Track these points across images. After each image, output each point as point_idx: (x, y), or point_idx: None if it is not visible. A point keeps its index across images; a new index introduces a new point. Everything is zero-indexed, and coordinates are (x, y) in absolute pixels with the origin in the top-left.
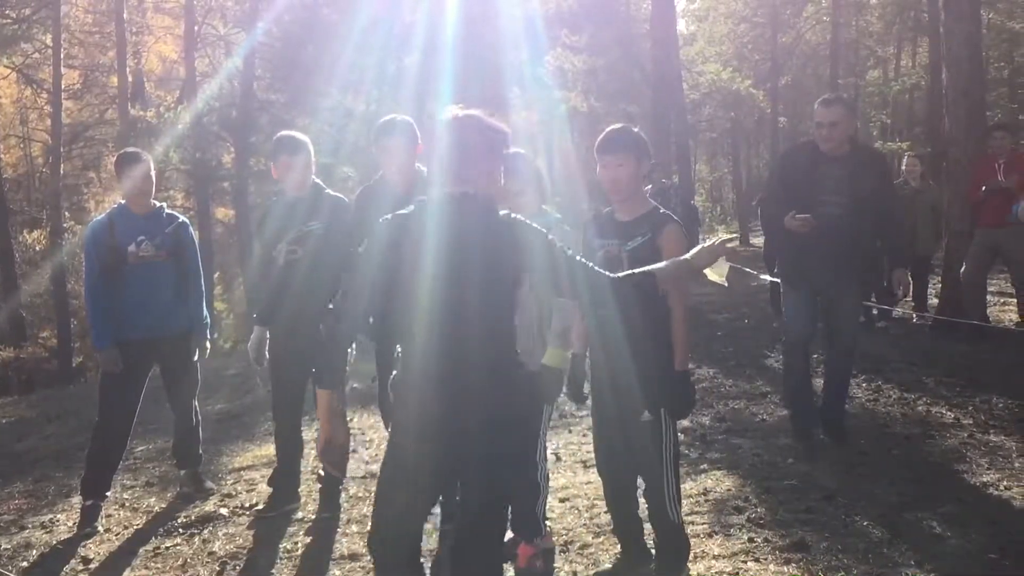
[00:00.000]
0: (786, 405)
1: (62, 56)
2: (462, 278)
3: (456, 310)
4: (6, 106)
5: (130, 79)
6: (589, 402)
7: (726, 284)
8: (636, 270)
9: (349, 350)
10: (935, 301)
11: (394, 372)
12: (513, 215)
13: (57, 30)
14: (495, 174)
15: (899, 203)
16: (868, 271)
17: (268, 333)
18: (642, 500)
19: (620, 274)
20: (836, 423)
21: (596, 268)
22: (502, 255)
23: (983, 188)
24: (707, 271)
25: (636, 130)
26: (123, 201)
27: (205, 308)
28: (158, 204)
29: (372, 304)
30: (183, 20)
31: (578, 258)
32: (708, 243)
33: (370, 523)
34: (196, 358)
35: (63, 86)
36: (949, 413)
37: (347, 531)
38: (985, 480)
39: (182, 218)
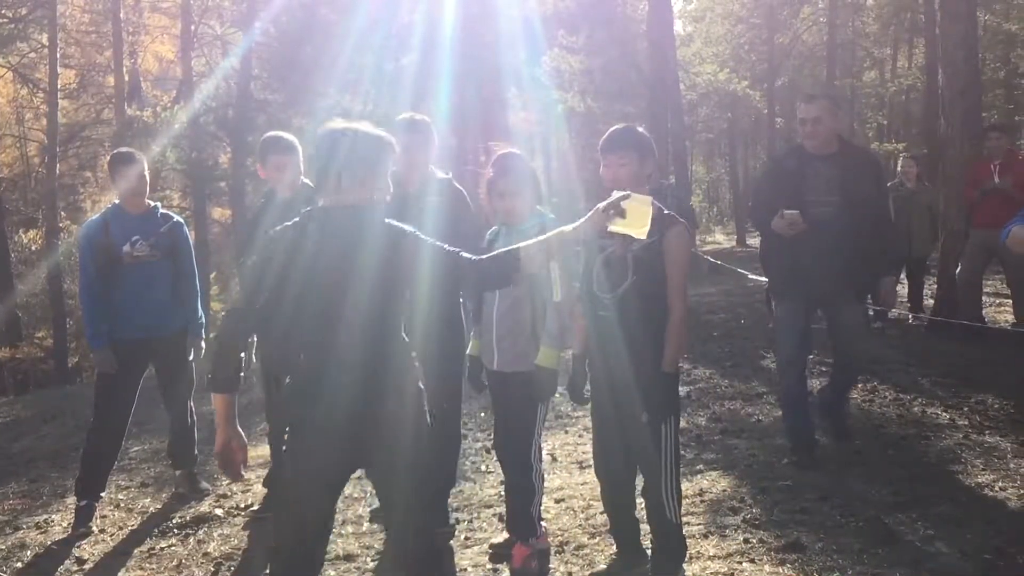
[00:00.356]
0: (785, 427)
1: (58, 55)
2: (347, 287)
3: (341, 318)
4: (2, 105)
5: (126, 79)
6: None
7: (644, 237)
8: (501, 250)
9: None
10: (931, 302)
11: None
12: (397, 225)
13: (53, 29)
14: (381, 183)
15: (888, 210)
16: (866, 277)
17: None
18: (639, 500)
19: (484, 256)
20: (838, 429)
21: (475, 258)
22: (385, 263)
23: (979, 189)
24: (617, 226)
25: (641, 130)
26: (118, 201)
27: (200, 308)
28: (153, 204)
29: (258, 315)
30: (180, 20)
31: (461, 253)
32: (594, 209)
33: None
34: (192, 358)
35: (59, 85)
36: (944, 414)
37: (342, 532)
38: (980, 481)
39: (177, 218)
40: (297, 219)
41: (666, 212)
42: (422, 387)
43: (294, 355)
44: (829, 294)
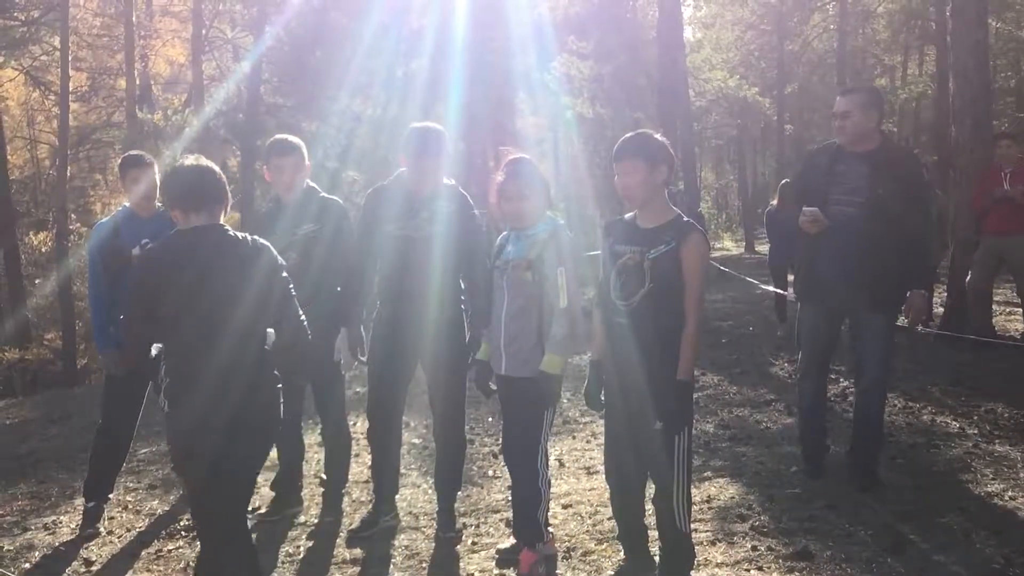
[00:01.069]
0: (798, 433)
1: (70, 59)
2: (209, 301)
3: (205, 333)
4: (13, 108)
5: (137, 82)
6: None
7: None
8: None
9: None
10: (940, 310)
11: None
12: (257, 241)
13: (65, 33)
14: (225, 207)
15: (927, 214)
16: (891, 288)
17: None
18: (648, 507)
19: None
20: (868, 471)
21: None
22: (242, 278)
23: (989, 197)
24: None
25: (657, 136)
26: (128, 204)
27: None
28: (162, 207)
29: (142, 330)
30: (191, 24)
31: (290, 291)
32: None
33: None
34: None
35: (71, 88)
36: (954, 423)
37: (348, 536)
38: (990, 490)
39: None
40: (166, 239)
41: (686, 219)
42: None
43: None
44: (849, 301)
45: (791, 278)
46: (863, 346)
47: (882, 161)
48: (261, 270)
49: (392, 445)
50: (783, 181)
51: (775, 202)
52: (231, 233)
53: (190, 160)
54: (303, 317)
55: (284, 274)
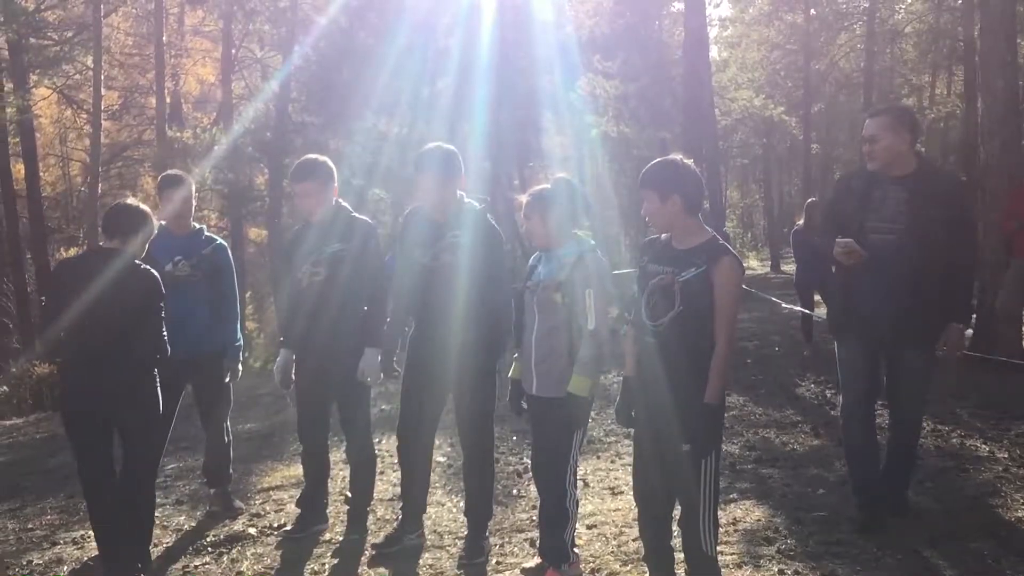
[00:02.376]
0: (851, 484)
1: (102, 77)
2: (99, 318)
3: (97, 348)
4: (46, 126)
5: (168, 101)
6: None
7: None
8: None
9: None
10: (969, 331)
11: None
12: (147, 269)
13: (98, 52)
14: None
15: (972, 243)
16: (930, 321)
17: (294, 355)
18: (676, 529)
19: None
20: (897, 496)
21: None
22: (125, 300)
23: (1017, 221)
24: None
25: (679, 163)
26: (163, 222)
27: (239, 330)
28: (198, 226)
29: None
30: (221, 44)
31: (160, 312)
32: None
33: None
34: (228, 380)
35: (103, 107)
36: (984, 446)
37: (374, 553)
38: (1019, 515)
39: (220, 240)
40: (82, 252)
41: (720, 242)
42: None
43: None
44: (886, 336)
45: (817, 298)
46: (900, 382)
47: (921, 186)
48: (138, 291)
49: (420, 463)
50: (809, 200)
51: (801, 221)
52: (128, 258)
53: (129, 200)
54: (165, 335)
55: (160, 302)
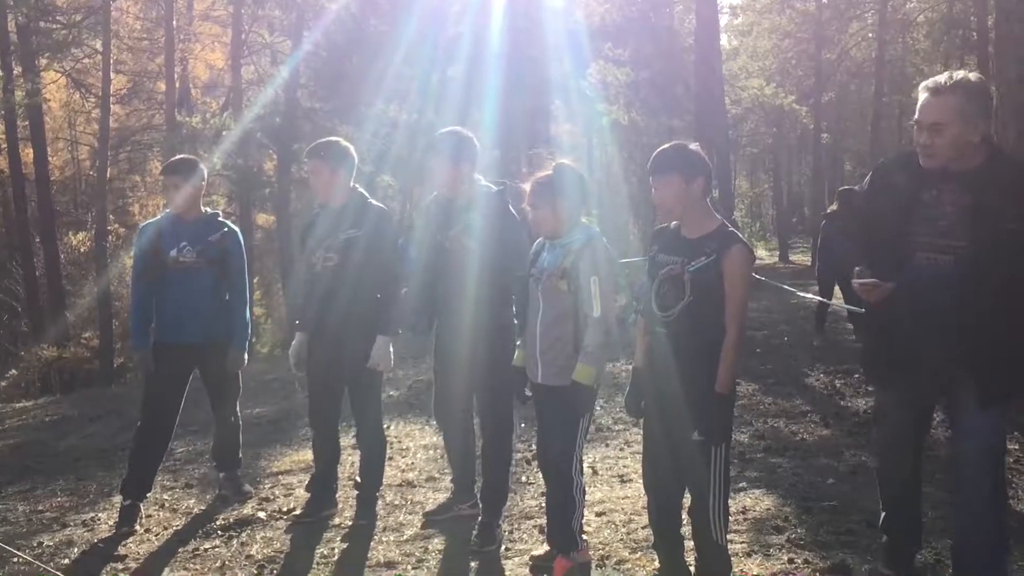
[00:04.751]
0: (881, 524)
1: (111, 62)
2: None
3: None
4: (55, 110)
5: (177, 85)
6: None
7: None
8: None
9: None
10: None
11: None
12: None
13: (107, 36)
14: None
15: None
16: (1004, 371)
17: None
18: (685, 517)
19: None
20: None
21: None
22: None
23: None
24: None
25: (692, 147)
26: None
27: (248, 317)
28: (209, 211)
29: None
30: (230, 29)
31: None
32: None
33: None
34: (230, 368)
35: (111, 91)
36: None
37: (383, 539)
38: None
39: (230, 226)
40: None
41: (729, 230)
42: None
43: None
44: (943, 385)
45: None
46: (958, 445)
47: (992, 186)
48: None
49: (457, 438)
50: (842, 188)
51: (834, 207)
52: None
53: None
54: None
55: None
